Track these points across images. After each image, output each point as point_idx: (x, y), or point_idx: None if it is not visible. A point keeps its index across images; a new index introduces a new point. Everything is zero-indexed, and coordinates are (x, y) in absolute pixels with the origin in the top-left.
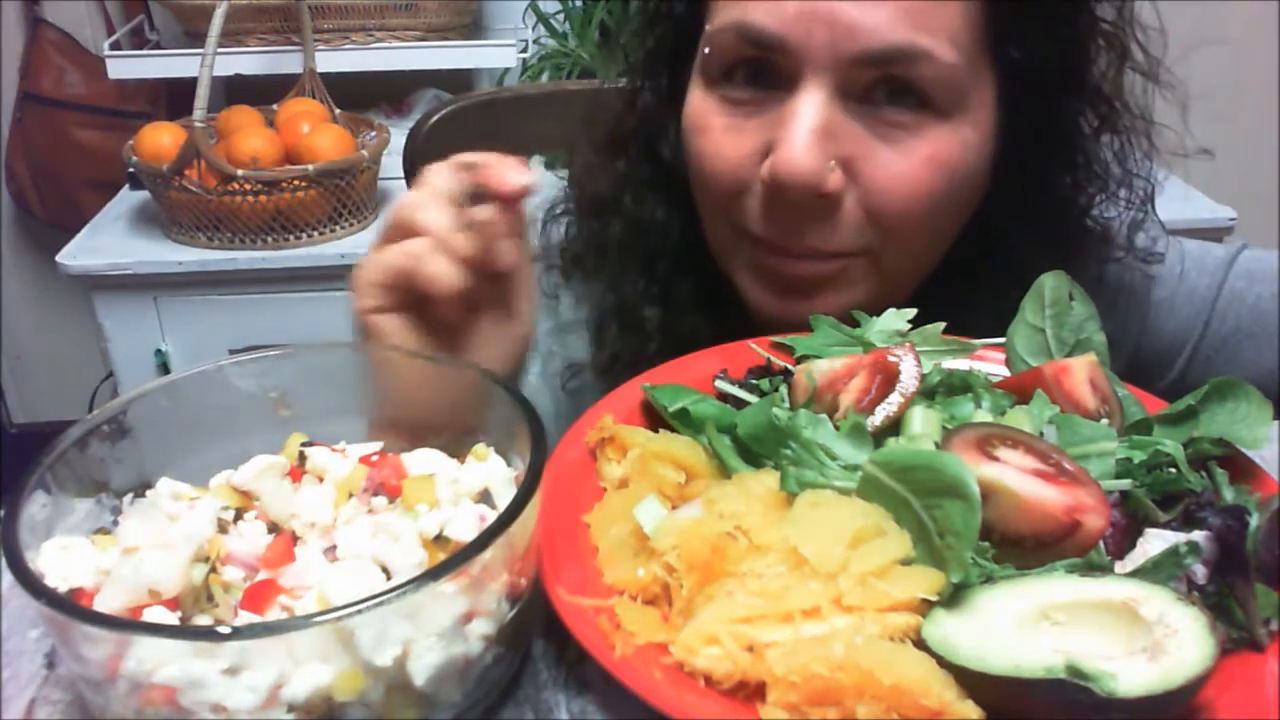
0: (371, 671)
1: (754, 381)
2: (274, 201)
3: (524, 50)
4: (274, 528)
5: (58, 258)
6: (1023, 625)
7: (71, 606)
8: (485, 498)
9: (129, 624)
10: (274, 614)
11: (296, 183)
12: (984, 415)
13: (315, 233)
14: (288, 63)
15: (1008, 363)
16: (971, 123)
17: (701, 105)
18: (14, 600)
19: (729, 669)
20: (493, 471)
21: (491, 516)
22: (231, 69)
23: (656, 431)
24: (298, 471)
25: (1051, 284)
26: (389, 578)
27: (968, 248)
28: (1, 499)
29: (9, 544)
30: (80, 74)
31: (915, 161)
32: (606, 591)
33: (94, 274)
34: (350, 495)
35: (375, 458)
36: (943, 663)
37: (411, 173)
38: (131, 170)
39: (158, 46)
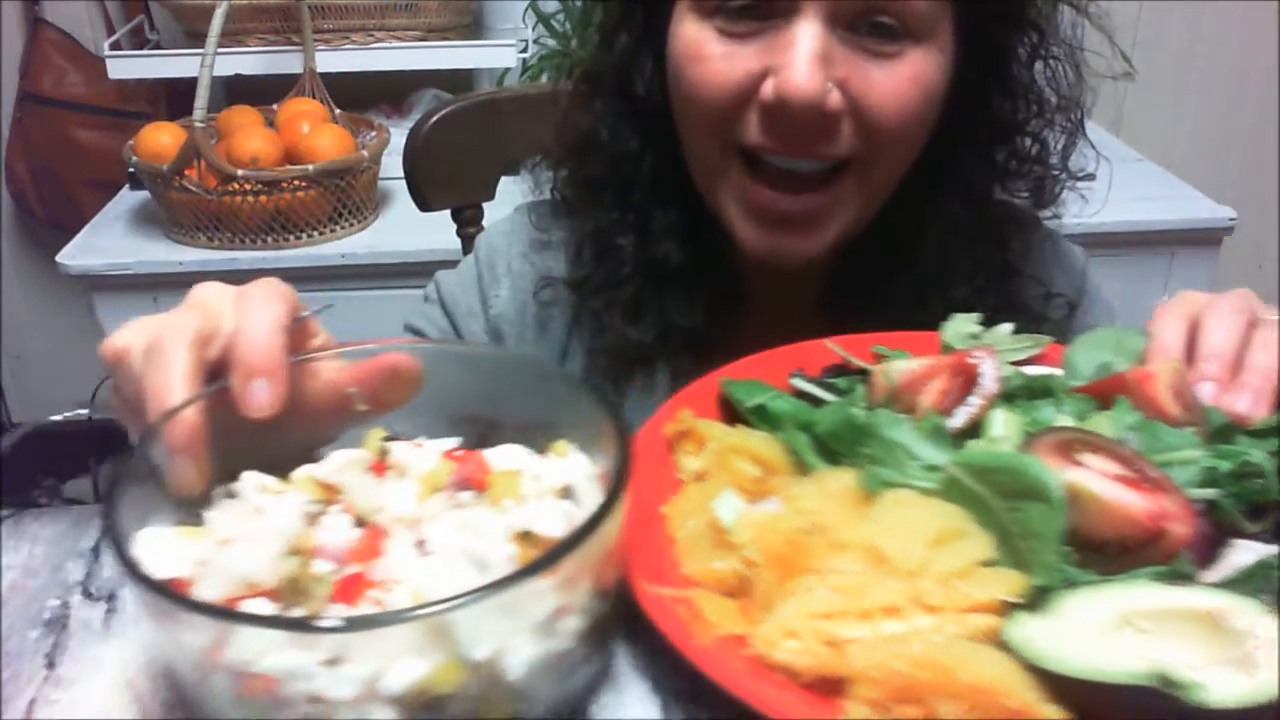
0: (470, 665)
1: (831, 380)
2: (274, 201)
3: (524, 50)
4: (360, 521)
5: (58, 258)
6: (1106, 631)
7: (179, 596)
8: (568, 494)
9: (238, 615)
10: (365, 607)
11: (296, 183)
12: (1065, 420)
13: (315, 233)
14: (288, 63)
15: (1065, 369)
16: (939, 47)
17: (697, 35)
18: (14, 600)
19: (809, 663)
20: (575, 468)
21: (576, 512)
22: (231, 69)
23: (733, 426)
24: (380, 466)
25: None
26: (480, 573)
27: (917, 170)
28: (1, 499)
29: (114, 533)
30: (80, 74)
31: (900, 80)
32: (684, 582)
33: (94, 274)
34: (435, 490)
35: (459, 453)
36: (1024, 665)
37: (412, 173)
38: (131, 170)
39: (158, 46)
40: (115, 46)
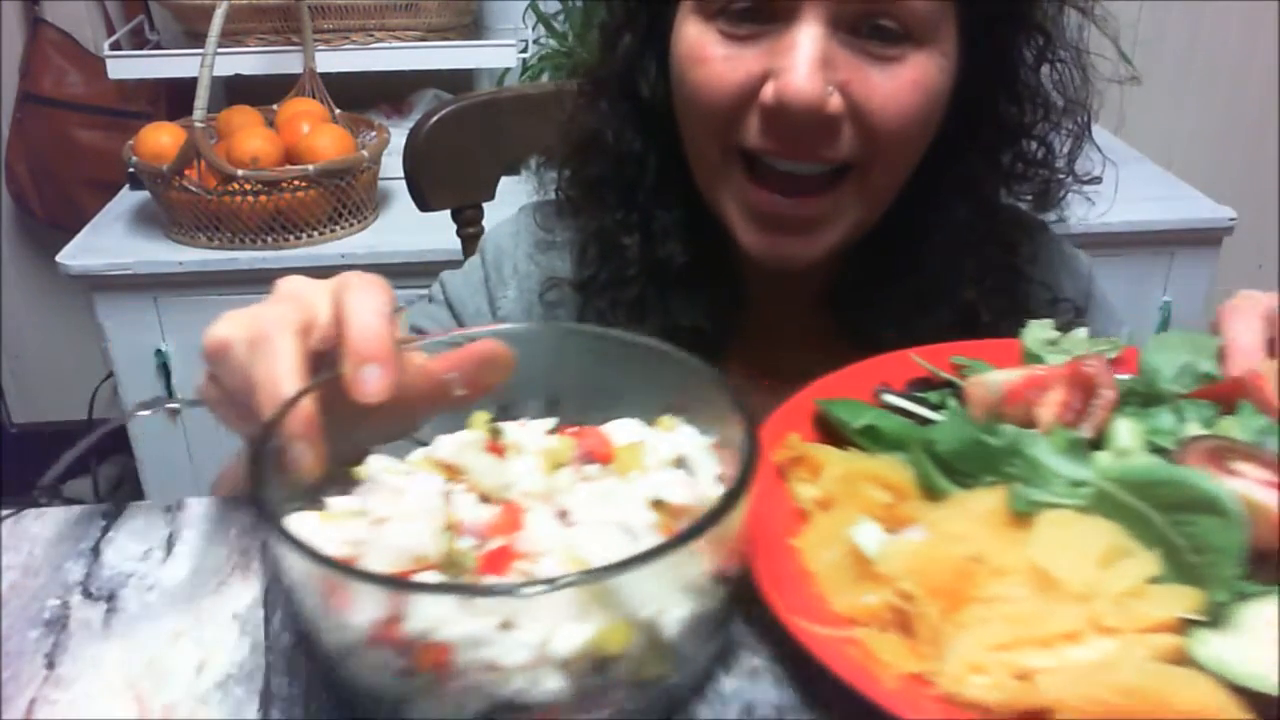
0: (636, 625)
1: (921, 394)
2: (274, 201)
3: (524, 50)
4: (485, 499)
5: (58, 258)
6: None
7: (373, 574)
8: (681, 464)
9: (433, 586)
10: (513, 578)
11: (296, 183)
12: (1193, 427)
13: (315, 233)
14: (288, 63)
15: (1142, 374)
16: (942, 50)
17: (699, 38)
18: (14, 600)
19: (1001, 698)
20: (686, 439)
21: (696, 482)
22: (231, 69)
23: (843, 449)
24: (495, 446)
25: None
26: (629, 539)
27: (922, 173)
28: (1, 499)
29: (269, 514)
30: (80, 74)
31: (902, 83)
32: (837, 619)
33: (94, 274)
34: (560, 465)
35: (572, 429)
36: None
37: (412, 173)
38: (131, 170)
39: (158, 46)
40: (115, 46)
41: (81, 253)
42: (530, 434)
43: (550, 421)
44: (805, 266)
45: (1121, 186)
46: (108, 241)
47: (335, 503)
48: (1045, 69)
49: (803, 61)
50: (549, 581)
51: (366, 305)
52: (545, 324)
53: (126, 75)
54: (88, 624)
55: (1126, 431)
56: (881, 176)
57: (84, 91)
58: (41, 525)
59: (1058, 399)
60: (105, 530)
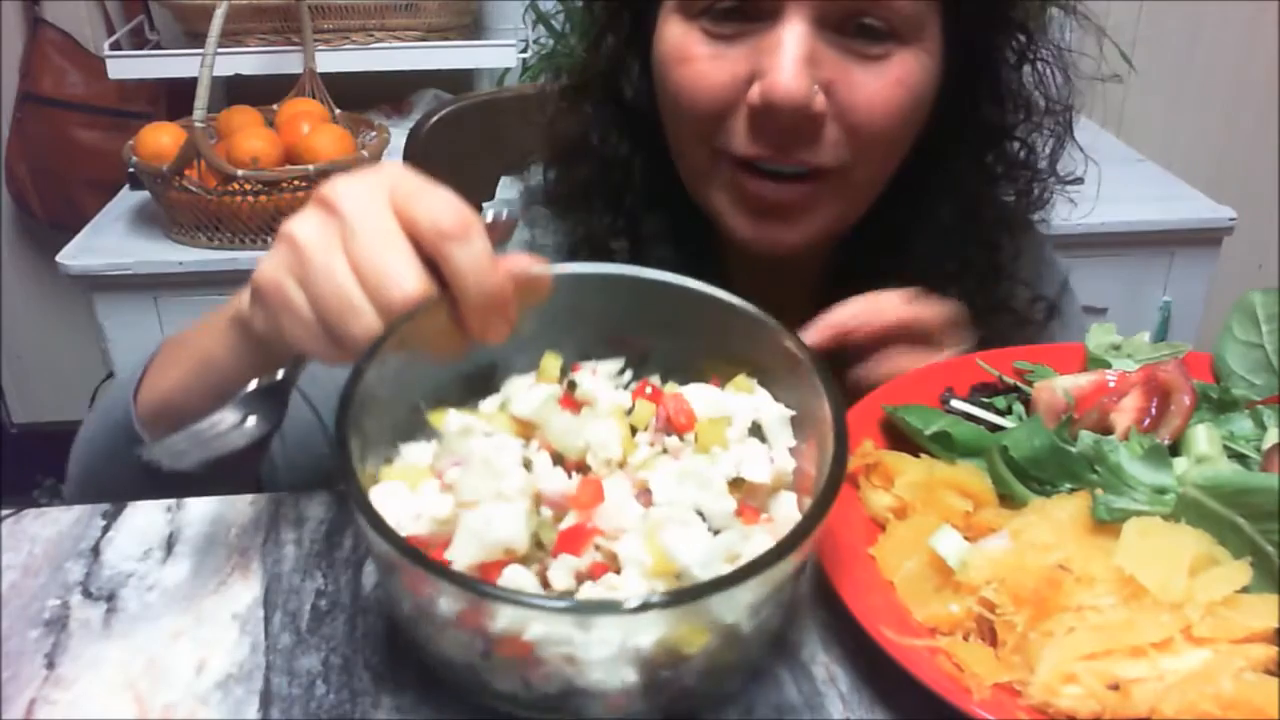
0: (717, 629)
1: (988, 400)
2: (274, 201)
3: (524, 50)
4: (558, 458)
5: (58, 258)
6: None
7: (470, 581)
8: (757, 432)
9: (529, 600)
10: (589, 555)
11: (296, 183)
12: (1273, 433)
13: None
14: (288, 63)
15: (1215, 378)
16: (927, 49)
17: (682, 38)
18: (14, 600)
19: (1094, 708)
20: (765, 406)
21: (774, 455)
22: (231, 69)
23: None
24: (570, 400)
25: (1261, 300)
26: (707, 526)
27: (906, 172)
28: (1, 499)
29: (366, 508)
30: (80, 74)
31: (887, 82)
32: (920, 629)
33: (94, 274)
34: (636, 431)
35: (649, 390)
36: None
37: None
38: (131, 170)
39: (158, 46)
40: (115, 46)
41: (81, 253)
42: (604, 386)
43: (618, 362)
44: (788, 253)
45: (1122, 187)
46: (108, 241)
47: (412, 453)
48: (1027, 69)
49: (789, 61)
50: (637, 606)
51: (480, 237)
52: (610, 264)
53: (126, 75)
54: (88, 624)
55: (1205, 437)
56: (863, 174)
57: (84, 91)
58: (41, 525)
59: (1134, 404)
60: (105, 530)
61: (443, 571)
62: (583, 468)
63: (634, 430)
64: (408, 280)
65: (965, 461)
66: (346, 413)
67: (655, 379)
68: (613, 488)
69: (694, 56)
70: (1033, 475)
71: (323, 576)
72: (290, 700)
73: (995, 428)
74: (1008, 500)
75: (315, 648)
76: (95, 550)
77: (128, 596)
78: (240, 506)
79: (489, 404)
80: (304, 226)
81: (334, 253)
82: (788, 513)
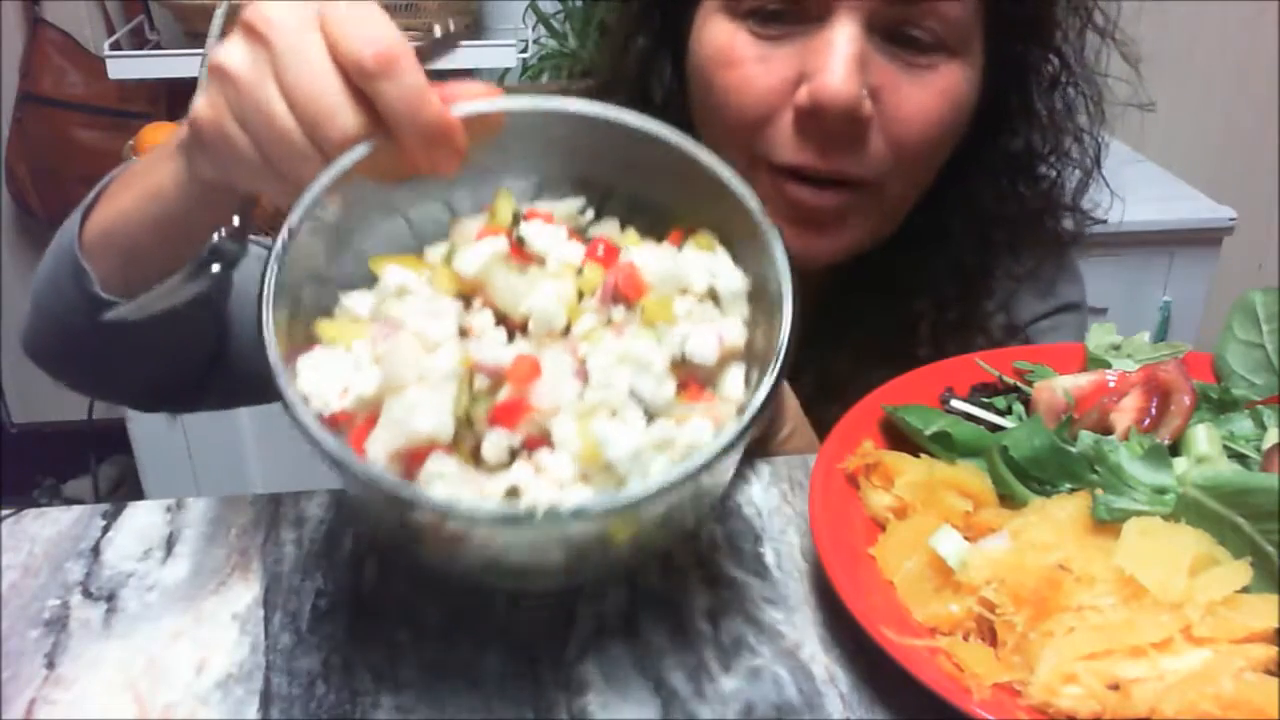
0: (646, 521)
1: (988, 400)
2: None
3: (524, 50)
4: (500, 318)
5: None
6: None
7: (396, 482)
8: (712, 297)
9: (447, 507)
10: (524, 429)
11: None
12: (1273, 433)
13: None
14: None
15: (1216, 378)
16: (971, 63)
17: (728, 40)
18: (14, 600)
19: (1095, 708)
20: (721, 271)
21: (726, 331)
22: None
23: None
24: (518, 251)
25: (1261, 300)
26: (642, 411)
27: (938, 189)
28: (1, 499)
29: (299, 417)
30: (80, 74)
31: (932, 93)
32: (920, 629)
33: None
34: (582, 295)
35: (601, 251)
36: None
37: None
38: None
39: (158, 46)
40: (115, 46)
41: None
42: (557, 240)
43: (579, 201)
44: (824, 263)
45: (1122, 187)
46: None
47: (353, 301)
48: (1057, 96)
49: (840, 61)
50: (570, 512)
51: (407, 81)
52: (576, 100)
53: (126, 75)
54: (88, 624)
55: (1205, 437)
56: (897, 188)
57: (84, 91)
58: (41, 525)
59: (1134, 404)
60: (105, 530)
61: (355, 468)
62: (525, 329)
63: (581, 295)
64: (344, 117)
65: (965, 461)
66: (267, 284)
67: (614, 223)
68: (551, 362)
69: (741, 59)
70: (1033, 475)
71: (323, 576)
72: (290, 700)
73: (995, 428)
74: (1008, 500)
75: (315, 648)
76: (95, 550)
77: (128, 596)
78: (240, 506)
79: (434, 252)
80: (234, 56)
81: (268, 87)
82: (733, 390)
